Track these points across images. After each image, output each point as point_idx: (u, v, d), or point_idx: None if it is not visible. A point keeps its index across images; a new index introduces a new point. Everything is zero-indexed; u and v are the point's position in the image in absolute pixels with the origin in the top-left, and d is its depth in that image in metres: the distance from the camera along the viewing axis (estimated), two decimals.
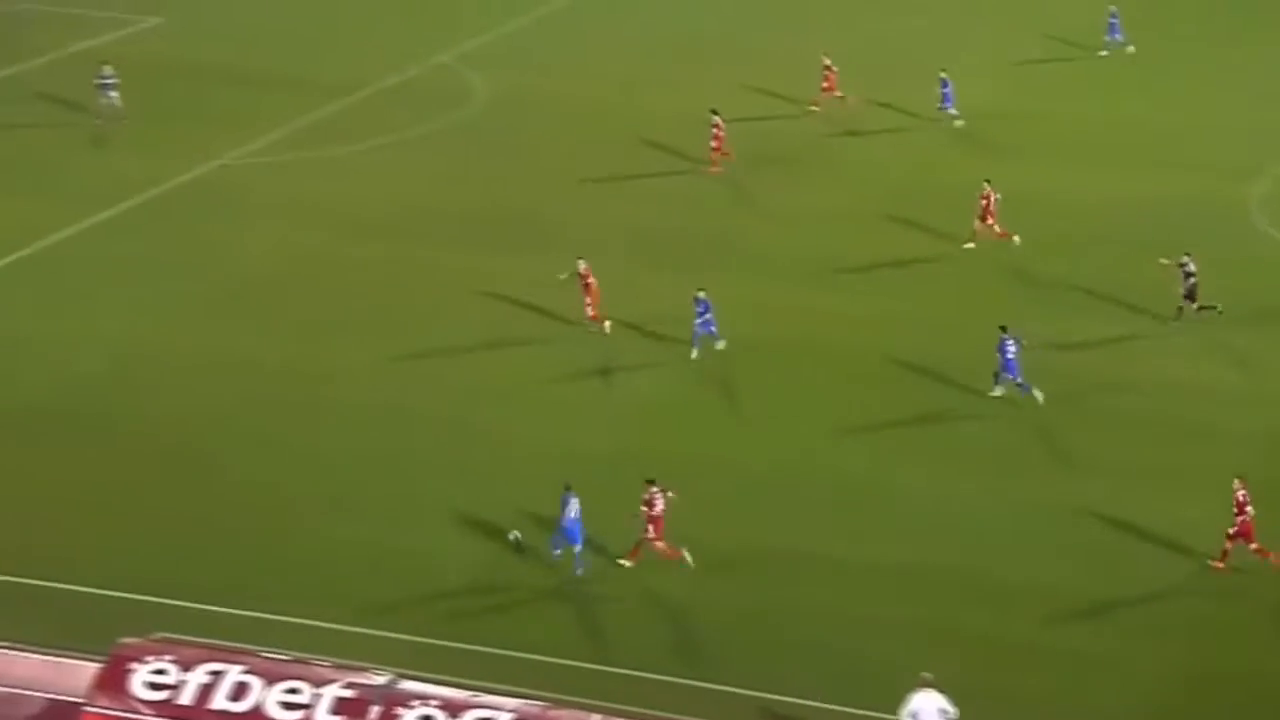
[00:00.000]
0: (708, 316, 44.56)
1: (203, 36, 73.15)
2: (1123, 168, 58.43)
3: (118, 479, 39.78)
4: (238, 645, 30.49)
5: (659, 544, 36.11)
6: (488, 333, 46.48)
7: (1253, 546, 36.38)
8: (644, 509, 36.06)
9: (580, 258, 46.80)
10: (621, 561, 36.46)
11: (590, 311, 45.82)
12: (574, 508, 35.96)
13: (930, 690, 30.69)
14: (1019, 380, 42.82)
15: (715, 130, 57.00)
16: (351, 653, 31.58)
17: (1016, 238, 50.84)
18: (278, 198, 55.92)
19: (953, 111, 61.20)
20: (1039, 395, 42.67)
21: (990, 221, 50.67)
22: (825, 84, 62.55)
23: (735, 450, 41.27)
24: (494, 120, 63.31)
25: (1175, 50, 69.91)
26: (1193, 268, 46.56)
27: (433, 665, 31.73)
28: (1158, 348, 46.13)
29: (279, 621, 34.38)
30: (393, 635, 34.13)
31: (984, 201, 50.65)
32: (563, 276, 46.65)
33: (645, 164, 58.85)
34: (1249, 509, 36.22)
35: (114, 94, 61.99)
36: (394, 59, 69.74)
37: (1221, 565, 36.57)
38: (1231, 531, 36.40)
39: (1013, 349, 42.78)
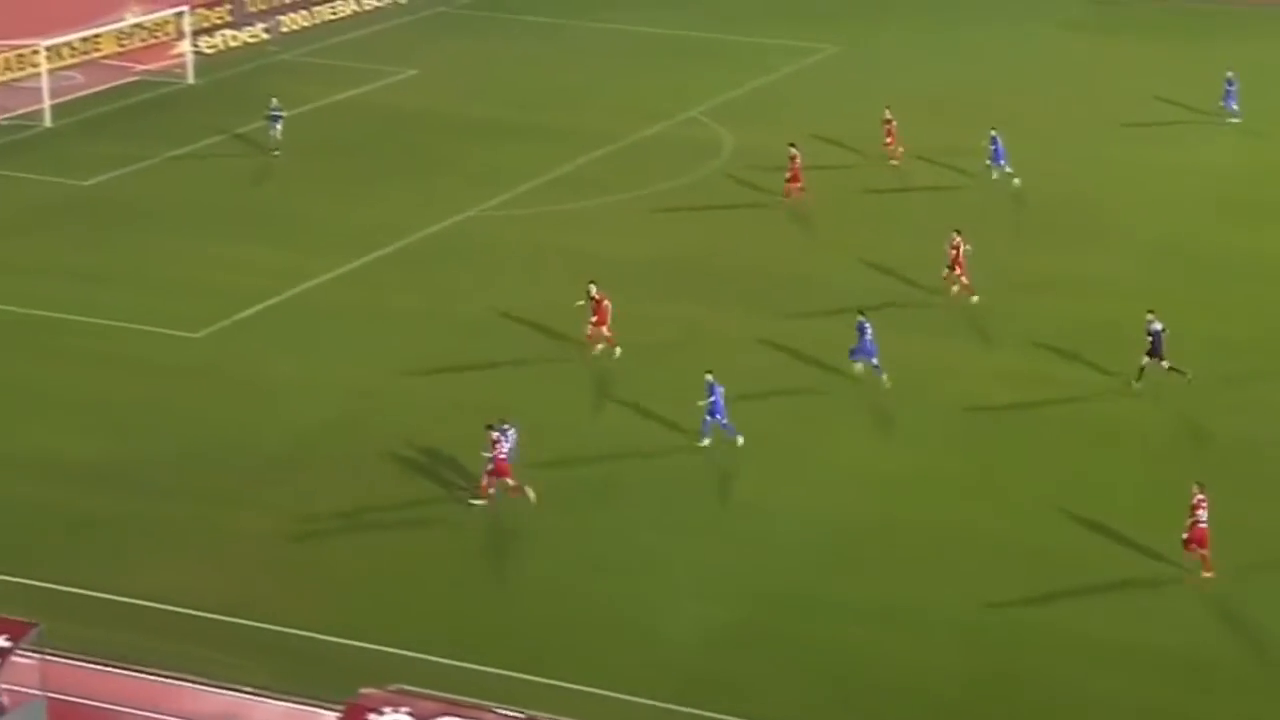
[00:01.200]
0: (716, 402, 42.58)
1: (456, 89, 74.26)
2: None
3: (357, 526, 40.17)
4: (474, 700, 30.48)
5: (508, 480, 40.10)
6: (736, 390, 46.09)
7: (1202, 552, 37.15)
8: (490, 451, 39.93)
9: (592, 282, 48.30)
10: (473, 501, 40.29)
11: (590, 332, 47.92)
12: (511, 438, 40.03)
13: None
14: (875, 361, 46.08)
15: (792, 163, 59.40)
16: (583, 714, 31.39)
17: (975, 298, 51.20)
18: (522, 249, 56.24)
19: (1007, 169, 60.97)
20: (886, 379, 46.01)
21: (959, 273, 51.01)
22: (888, 139, 63.41)
23: (980, 518, 40.58)
24: (739, 174, 63.24)
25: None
26: (1157, 326, 45.76)
27: None
28: None
29: (515, 679, 34.37)
30: (624, 697, 33.93)
31: (953, 252, 50.95)
32: (580, 303, 48.47)
33: (883, 221, 58.53)
34: (1202, 513, 36.99)
35: (279, 125, 64.76)
36: (645, 113, 70.01)
37: (1210, 574, 37.33)
38: (1185, 537, 37.33)
39: (870, 331, 45.85)
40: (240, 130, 68.20)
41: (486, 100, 72.74)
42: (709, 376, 43.21)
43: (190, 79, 75.33)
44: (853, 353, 46.42)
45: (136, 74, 76.10)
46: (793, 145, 60.44)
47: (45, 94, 69.47)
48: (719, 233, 57.91)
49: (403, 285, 53.61)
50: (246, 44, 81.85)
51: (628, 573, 38.39)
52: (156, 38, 79.60)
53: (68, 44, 74.79)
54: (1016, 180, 61.15)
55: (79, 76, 74.69)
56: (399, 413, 45.35)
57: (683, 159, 64.82)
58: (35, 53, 71.80)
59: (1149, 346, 45.80)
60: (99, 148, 66.42)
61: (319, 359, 48.65)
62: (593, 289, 48.26)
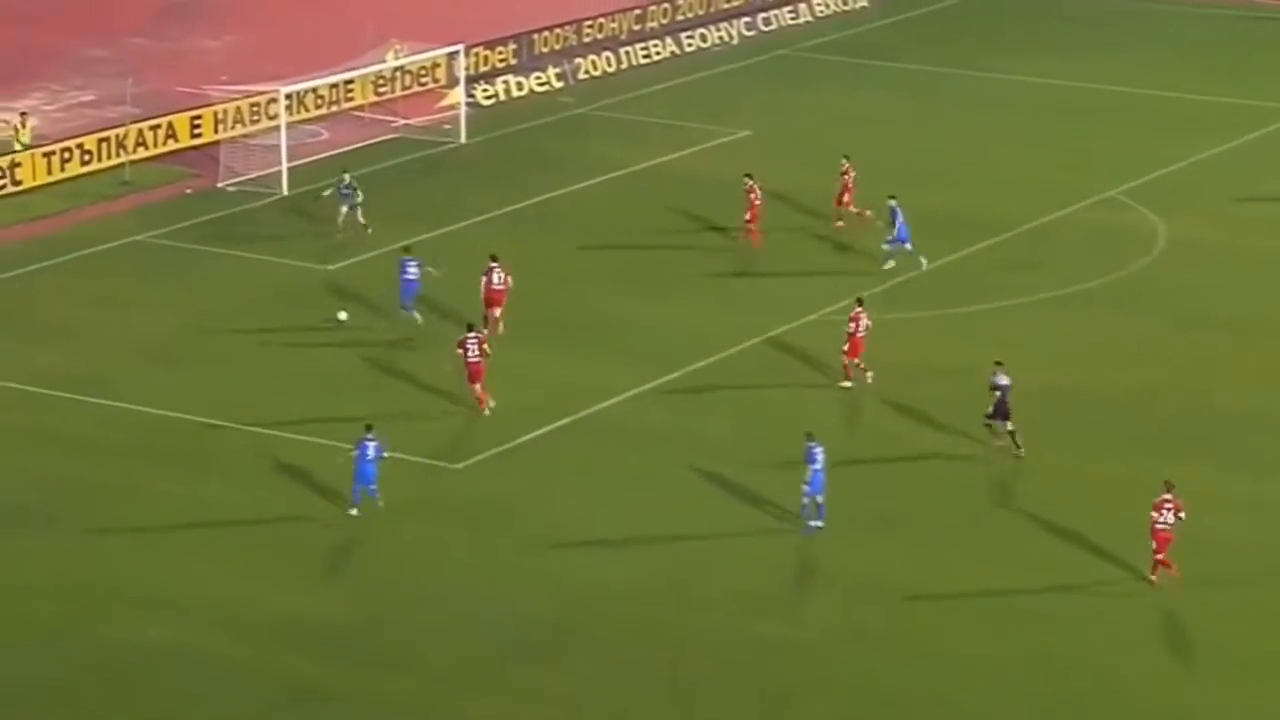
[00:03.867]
0: None
1: (797, 156, 74.13)
2: None
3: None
4: None
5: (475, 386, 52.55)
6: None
7: (1158, 556, 43.90)
8: (459, 352, 52.50)
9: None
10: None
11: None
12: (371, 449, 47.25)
13: None
14: (408, 305, 57.25)
15: (750, 197, 63.84)
16: None
17: (870, 374, 54.40)
18: (883, 365, 55.40)
19: (908, 248, 62.20)
20: (418, 318, 57.05)
21: (851, 355, 54.65)
22: (844, 195, 65.81)
23: None
24: (1176, 276, 62.31)
25: None
26: (1004, 380, 49.66)
27: None
28: None
29: None
30: None
31: (853, 326, 54.56)
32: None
33: None
34: (1165, 516, 43.66)
35: (352, 207, 65.24)
36: (1047, 191, 69.40)
37: (1174, 571, 44.02)
38: (1154, 548, 43.95)
39: (413, 271, 57.32)
40: (521, 204, 68.34)
41: (837, 171, 71.97)
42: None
43: (462, 137, 76.02)
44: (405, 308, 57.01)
45: (395, 130, 77.09)
46: (749, 177, 64.51)
47: (284, 154, 70.60)
48: (1137, 355, 56.94)
49: (719, 409, 53.20)
50: (534, 94, 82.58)
51: None
52: (422, 85, 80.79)
53: (312, 91, 76.09)
54: (891, 263, 62.05)
55: (324, 132, 75.99)
56: (726, 576, 44.82)
57: (1099, 253, 63.99)
58: (273, 101, 73.10)
59: (994, 403, 49.76)
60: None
61: (613, 502, 48.44)
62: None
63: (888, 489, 49.03)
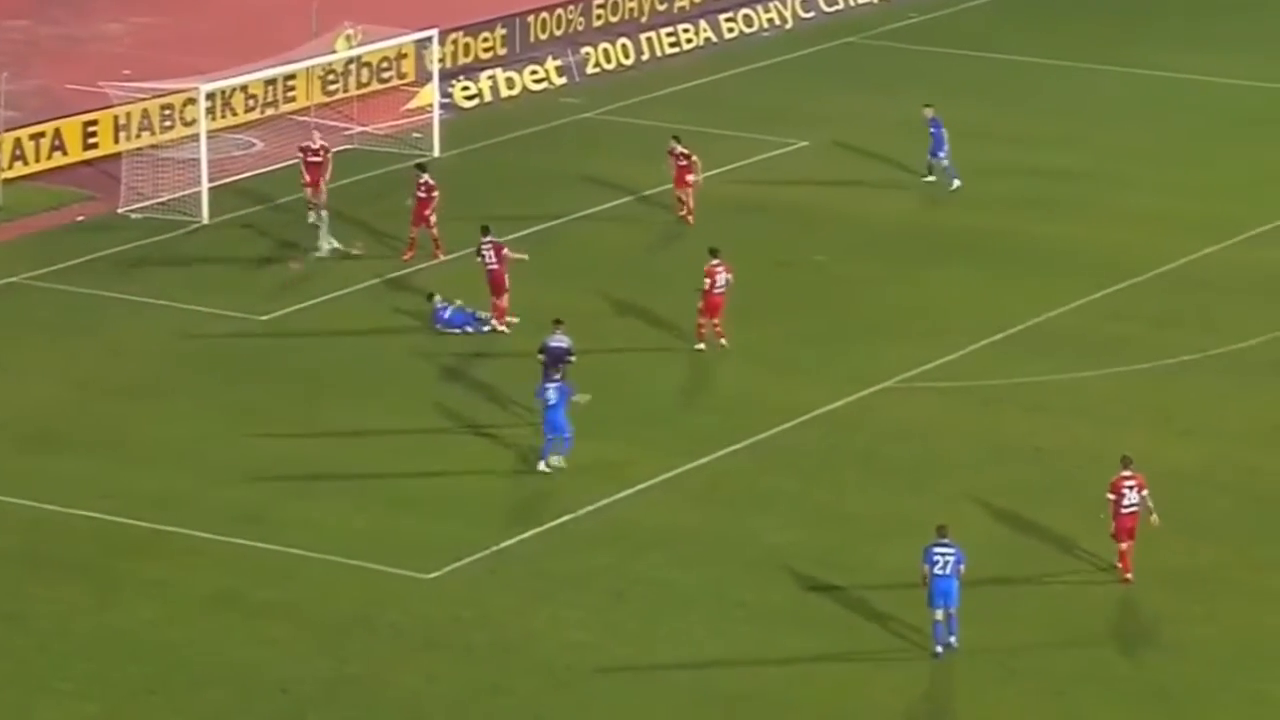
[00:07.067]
0: None
1: (865, 172, 75.32)
2: None
3: None
4: None
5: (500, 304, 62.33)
6: None
7: (1121, 546, 48.94)
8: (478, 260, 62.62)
9: None
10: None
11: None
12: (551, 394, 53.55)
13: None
14: None
15: (419, 194, 67.61)
16: None
17: (725, 341, 61.05)
18: (990, 451, 55.98)
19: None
20: None
21: (709, 314, 61.46)
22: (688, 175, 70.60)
23: None
24: None
25: None
26: (559, 343, 56.79)
27: None
28: None
29: None
30: None
31: (709, 281, 60.96)
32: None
33: None
34: (1129, 495, 48.39)
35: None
36: (1193, 222, 70.16)
37: (1130, 576, 49.20)
38: (1112, 530, 49.00)
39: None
40: (510, 236, 68.36)
41: (916, 193, 72.77)
42: None
43: (436, 149, 76.49)
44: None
45: (349, 139, 77.46)
46: (422, 169, 68.87)
47: (204, 171, 70.91)
48: None
49: (772, 502, 53.54)
50: (528, 93, 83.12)
51: None
52: (384, 81, 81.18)
53: (241, 89, 76.38)
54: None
55: (257, 142, 76.27)
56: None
57: (1264, 302, 64.60)
58: (190, 102, 73.42)
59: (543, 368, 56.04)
60: (285, 260, 67.76)
61: (633, 624, 48.47)
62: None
63: (997, 611, 48.89)
